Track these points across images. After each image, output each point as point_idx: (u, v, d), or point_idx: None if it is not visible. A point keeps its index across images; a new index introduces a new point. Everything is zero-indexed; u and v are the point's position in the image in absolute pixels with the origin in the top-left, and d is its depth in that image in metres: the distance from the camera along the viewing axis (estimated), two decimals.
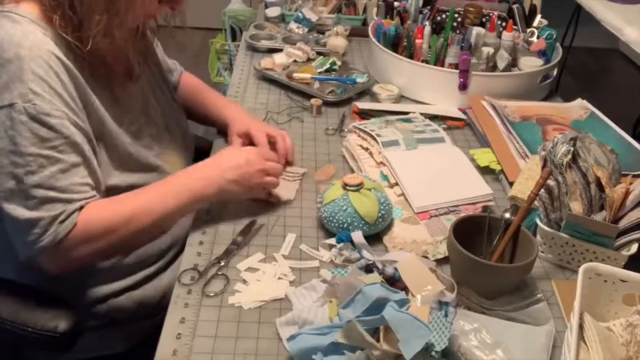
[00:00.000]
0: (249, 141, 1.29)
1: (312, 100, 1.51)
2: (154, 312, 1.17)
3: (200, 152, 1.36)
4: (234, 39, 3.07)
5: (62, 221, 0.95)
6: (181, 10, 1.08)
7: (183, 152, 1.25)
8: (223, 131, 1.36)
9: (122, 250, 1.06)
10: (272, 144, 1.27)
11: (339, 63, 1.68)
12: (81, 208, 0.97)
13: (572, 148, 1.03)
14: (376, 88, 1.59)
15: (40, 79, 0.92)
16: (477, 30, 1.63)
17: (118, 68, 1.11)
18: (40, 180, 0.93)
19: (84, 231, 0.97)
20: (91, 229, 0.98)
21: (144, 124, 1.14)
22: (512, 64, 1.62)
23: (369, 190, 1.08)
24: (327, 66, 1.66)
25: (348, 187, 1.08)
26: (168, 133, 1.21)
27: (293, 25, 1.92)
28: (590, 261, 1.00)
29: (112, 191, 1.05)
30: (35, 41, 0.93)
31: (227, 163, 1.09)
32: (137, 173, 1.09)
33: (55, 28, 0.95)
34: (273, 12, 2.03)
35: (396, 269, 0.92)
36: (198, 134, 1.43)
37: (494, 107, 1.46)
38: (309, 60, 1.71)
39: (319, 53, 1.74)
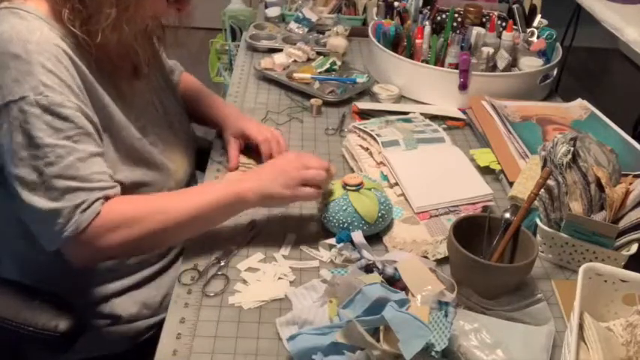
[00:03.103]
0: (245, 142, 1.30)
1: (312, 100, 1.51)
2: (156, 312, 1.17)
3: (201, 152, 1.36)
4: (234, 39, 3.07)
5: (84, 210, 0.94)
6: (187, 13, 1.08)
7: (186, 150, 1.25)
8: (220, 132, 1.36)
9: (153, 244, 1.04)
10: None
11: (339, 63, 1.68)
12: (106, 198, 0.97)
13: (572, 148, 1.03)
14: (376, 88, 1.59)
15: (50, 72, 0.92)
16: (477, 30, 1.63)
17: (124, 66, 1.11)
18: (59, 170, 0.93)
19: (107, 219, 0.96)
20: (115, 217, 0.97)
21: (148, 122, 1.14)
22: (512, 64, 1.62)
23: (369, 189, 1.08)
24: (327, 66, 1.66)
25: (348, 187, 1.08)
26: (172, 132, 1.22)
27: (293, 25, 1.92)
28: (590, 261, 1.00)
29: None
30: (42, 36, 0.93)
31: (264, 170, 1.08)
32: (141, 169, 1.09)
33: (64, 23, 0.96)
34: (273, 12, 2.03)
35: (396, 269, 0.92)
36: (199, 134, 1.43)
37: (494, 107, 1.46)
38: (309, 60, 1.71)
39: (319, 53, 1.74)
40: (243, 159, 1.30)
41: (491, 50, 1.58)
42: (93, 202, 0.95)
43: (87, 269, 1.06)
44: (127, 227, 0.98)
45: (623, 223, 1.02)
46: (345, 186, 1.08)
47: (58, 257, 0.98)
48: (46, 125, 0.92)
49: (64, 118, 0.93)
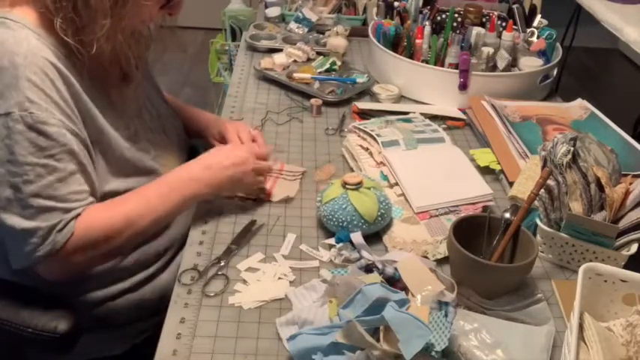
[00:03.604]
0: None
1: (312, 100, 1.51)
2: (152, 314, 1.17)
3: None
4: (234, 39, 3.06)
5: (60, 230, 0.94)
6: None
7: (179, 153, 1.25)
8: (197, 137, 1.36)
9: (119, 253, 1.07)
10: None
11: (339, 63, 1.68)
12: (77, 215, 0.97)
13: (572, 148, 1.03)
14: (376, 88, 1.59)
15: (36, 87, 0.91)
16: (477, 30, 1.63)
17: (113, 72, 1.10)
18: (37, 189, 0.92)
19: (82, 238, 0.97)
20: (90, 235, 0.98)
21: (139, 128, 1.13)
22: (512, 64, 1.62)
23: (369, 189, 1.08)
24: (327, 66, 1.66)
25: (347, 186, 1.07)
26: (165, 135, 1.21)
27: (293, 25, 1.92)
28: (590, 261, 1.00)
29: (109, 197, 1.05)
30: (30, 48, 0.91)
31: (218, 163, 1.10)
32: (134, 177, 1.09)
33: (55, 32, 0.94)
34: (273, 12, 2.03)
35: (396, 269, 0.92)
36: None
37: (494, 107, 1.46)
38: (309, 60, 1.71)
39: (319, 53, 1.74)
40: None
41: (491, 50, 1.58)
42: (68, 222, 0.95)
43: (84, 273, 1.05)
44: (100, 244, 1.00)
45: (623, 223, 1.02)
46: (344, 185, 1.08)
47: None
48: (29, 143, 0.91)
49: (48, 137, 0.92)
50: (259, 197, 1.17)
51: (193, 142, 1.36)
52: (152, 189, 1.06)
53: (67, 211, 0.96)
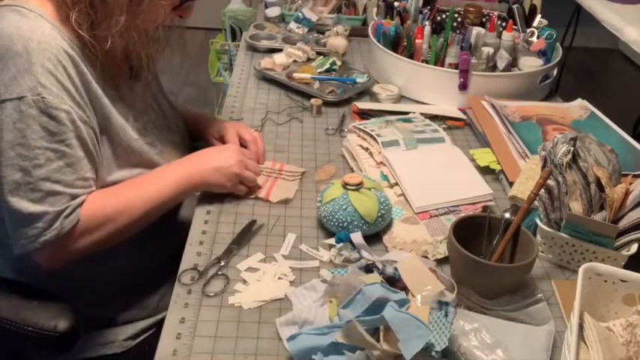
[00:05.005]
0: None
1: (312, 100, 1.51)
2: (153, 313, 1.17)
3: None
4: (234, 39, 3.06)
5: (67, 216, 0.96)
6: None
7: (183, 151, 1.25)
8: (199, 139, 1.36)
9: (119, 239, 1.07)
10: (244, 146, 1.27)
11: (339, 63, 1.68)
12: (82, 202, 0.99)
13: (572, 148, 1.03)
14: (376, 88, 1.59)
15: (49, 73, 0.92)
16: (477, 30, 1.63)
17: (124, 68, 1.12)
18: (47, 173, 0.93)
19: (85, 225, 0.99)
20: (92, 222, 0.99)
21: (147, 123, 1.15)
22: (512, 64, 1.62)
23: (369, 189, 1.08)
24: (327, 66, 1.66)
25: (348, 187, 1.08)
26: (169, 133, 1.22)
27: (293, 25, 1.92)
28: (590, 261, 1.00)
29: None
30: (44, 35, 0.93)
31: (208, 156, 1.14)
32: (139, 169, 1.10)
33: (71, 25, 0.96)
34: (273, 12, 2.03)
35: (396, 269, 0.92)
36: None
37: (494, 107, 1.46)
38: (309, 60, 1.71)
39: (319, 53, 1.74)
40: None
41: (491, 50, 1.58)
42: (75, 209, 0.97)
43: (85, 271, 1.06)
44: (100, 230, 1.01)
45: (623, 223, 1.02)
46: (345, 185, 1.08)
47: None
48: (41, 127, 0.92)
49: (59, 122, 0.93)
50: (258, 197, 1.17)
51: (195, 144, 1.37)
52: (146, 180, 1.09)
53: (74, 197, 0.97)
